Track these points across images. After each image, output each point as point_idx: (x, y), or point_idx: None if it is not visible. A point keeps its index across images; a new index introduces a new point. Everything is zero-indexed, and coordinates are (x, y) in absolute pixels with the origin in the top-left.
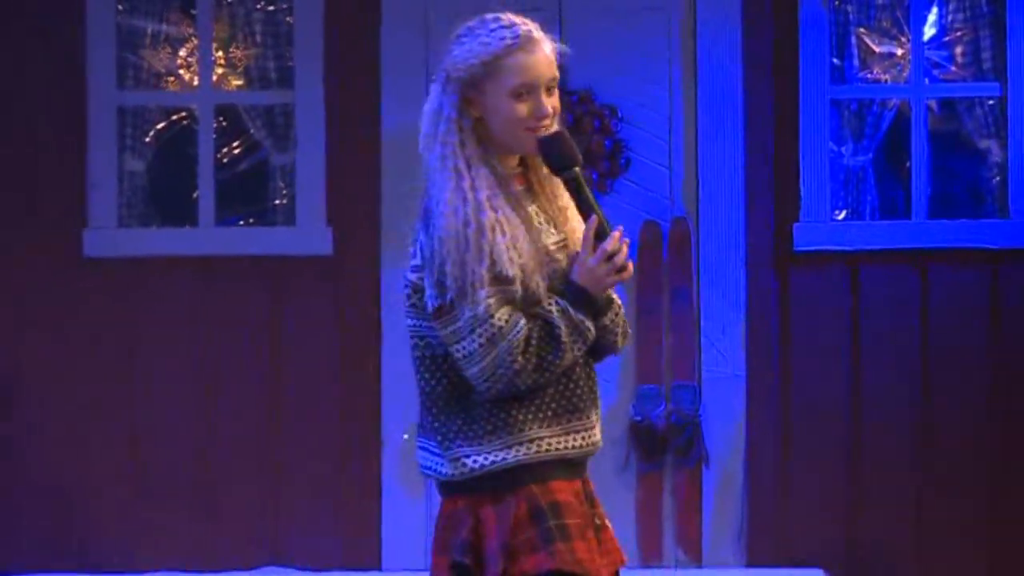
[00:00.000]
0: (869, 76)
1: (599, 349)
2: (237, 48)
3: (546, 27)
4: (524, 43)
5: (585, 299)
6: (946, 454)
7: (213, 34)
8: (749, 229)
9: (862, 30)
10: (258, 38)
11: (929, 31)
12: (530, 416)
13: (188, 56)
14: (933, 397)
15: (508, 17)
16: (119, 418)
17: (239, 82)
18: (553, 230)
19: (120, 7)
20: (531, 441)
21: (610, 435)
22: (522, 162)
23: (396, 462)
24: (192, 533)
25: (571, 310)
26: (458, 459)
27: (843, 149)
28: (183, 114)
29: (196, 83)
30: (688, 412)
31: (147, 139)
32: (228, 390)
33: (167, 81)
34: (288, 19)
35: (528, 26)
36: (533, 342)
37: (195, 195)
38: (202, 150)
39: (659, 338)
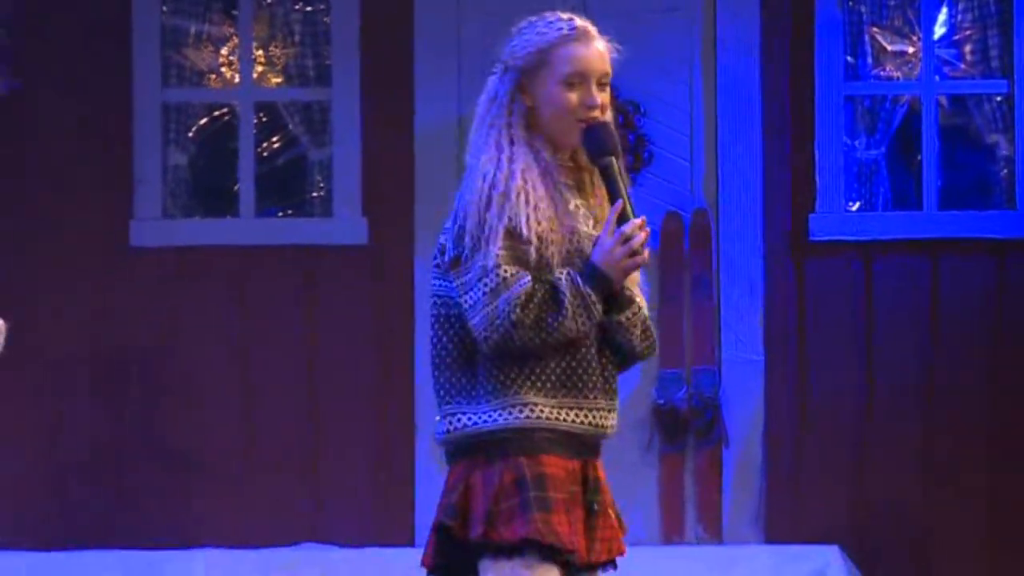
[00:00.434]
0: (882, 73)
1: (619, 348)
2: (276, 47)
3: None
4: (579, 35)
5: (596, 275)
6: (954, 436)
7: (253, 33)
8: (767, 220)
9: (875, 29)
10: (296, 37)
11: (939, 30)
12: (528, 383)
13: (229, 55)
14: (942, 380)
15: (567, 13)
16: (161, 401)
17: (278, 80)
18: (591, 223)
19: (164, 8)
20: (524, 405)
21: (634, 417)
22: (576, 160)
23: (429, 443)
24: (235, 511)
25: (579, 281)
26: (453, 415)
27: (857, 143)
28: (225, 110)
29: (237, 81)
30: (708, 395)
31: (190, 134)
32: (268, 374)
33: (209, 79)
34: (325, 19)
35: (585, 22)
36: (535, 300)
37: (236, 187)
38: (243, 145)
39: (680, 324)
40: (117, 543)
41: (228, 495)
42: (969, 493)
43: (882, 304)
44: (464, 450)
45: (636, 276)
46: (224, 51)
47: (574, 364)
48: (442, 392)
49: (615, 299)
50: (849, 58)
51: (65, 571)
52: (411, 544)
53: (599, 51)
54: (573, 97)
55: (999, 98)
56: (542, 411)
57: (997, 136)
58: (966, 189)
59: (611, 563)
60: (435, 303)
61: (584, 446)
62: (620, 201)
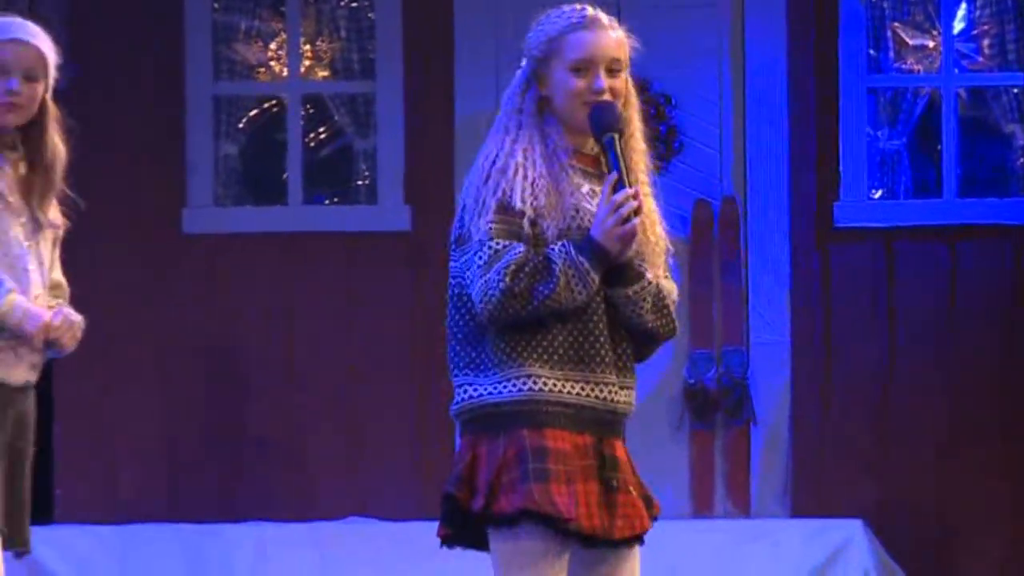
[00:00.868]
0: (903, 66)
1: (628, 324)
2: (323, 42)
3: None
4: (587, 23)
5: (591, 246)
6: (972, 413)
7: (301, 29)
8: (793, 207)
9: (897, 24)
10: (342, 32)
11: (958, 25)
12: (534, 355)
13: (278, 49)
14: (961, 361)
15: (583, 4)
16: (215, 380)
17: (325, 73)
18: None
19: (216, 5)
20: (528, 377)
21: (665, 396)
22: (596, 148)
23: None
24: (285, 486)
25: (573, 251)
26: (462, 386)
27: (879, 134)
28: (273, 103)
29: (285, 74)
30: (737, 375)
31: (240, 125)
32: (315, 355)
33: (259, 72)
34: (370, 15)
35: (596, 11)
36: (527, 269)
37: (284, 176)
38: (291, 135)
39: (710, 307)
40: (170, 517)
41: (279, 471)
42: (989, 470)
43: (903, 288)
44: (473, 421)
45: (664, 259)
46: (273, 46)
47: (581, 338)
48: (452, 365)
49: (622, 273)
50: (872, 52)
51: (126, 543)
52: None
53: (609, 38)
54: (580, 82)
55: (1016, 90)
56: (546, 383)
57: (1014, 127)
58: (984, 178)
59: (637, 539)
60: (450, 283)
61: (596, 422)
62: (615, 173)
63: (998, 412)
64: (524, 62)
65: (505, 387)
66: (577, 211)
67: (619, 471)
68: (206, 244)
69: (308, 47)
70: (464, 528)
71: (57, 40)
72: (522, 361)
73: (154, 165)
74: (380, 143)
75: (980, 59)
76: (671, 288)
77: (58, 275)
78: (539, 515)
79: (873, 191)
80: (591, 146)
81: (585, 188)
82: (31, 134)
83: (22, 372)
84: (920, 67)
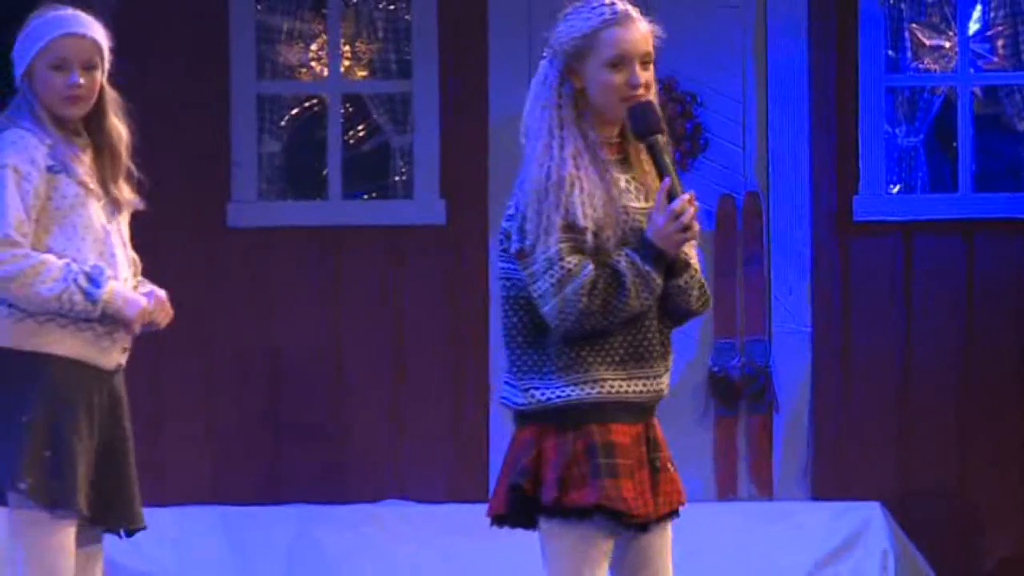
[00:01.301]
0: (920, 66)
1: (676, 309)
2: (362, 43)
3: None
4: (621, 19)
5: (653, 253)
6: (988, 399)
7: (341, 30)
8: (814, 201)
9: (914, 25)
10: (380, 34)
11: (973, 26)
12: (598, 359)
13: (319, 50)
14: (978, 349)
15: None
16: (258, 367)
17: (363, 73)
18: (643, 197)
19: (259, 6)
20: (595, 381)
21: (691, 384)
22: (623, 135)
23: (501, 407)
24: (325, 469)
25: (639, 261)
26: (528, 390)
27: (897, 131)
28: (314, 101)
29: (326, 74)
30: (760, 363)
31: (282, 123)
32: (354, 344)
33: (300, 72)
34: (407, 16)
35: (625, 5)
36: (600, 285)
37: (324, 172)
38: (331, 133)
39: (734, 298)
40: (214, 499)
41: (320, 455)
42: (1006, 455)
43: (921, 279)
44: (535, 416)
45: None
46: (314, 47)
47: (639, 337)
48: (515, 368)
49: (672, 265)
50: (890, 52)
51: (172, 524)
52: (485, 500)
53: (641, 32)
54: (618, 78)
55: None
56: (612, 385)
57: None
58: (998, 173)
59: (674, 514)
60: (504, 284)
61: (644, 410)
62: (668, 179)
63: (1014, 398)
64: (552, 56)
65: (573, 391)
66: (627, 212)
67: (660, 451)
68: (249, 237)
69: (348, 48)
70: (520, 512)
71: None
72: (587, 366)
73: (200, 161)
74: (416, 140)
75: (994, 59)
76: (697, 265)
77: (131, 251)
78: (610, 509)
79: (891, 186)
80: (617, 134)
81: (623, 181)
82: (93, 119)
83: (116, 356)
84: (936, 66)
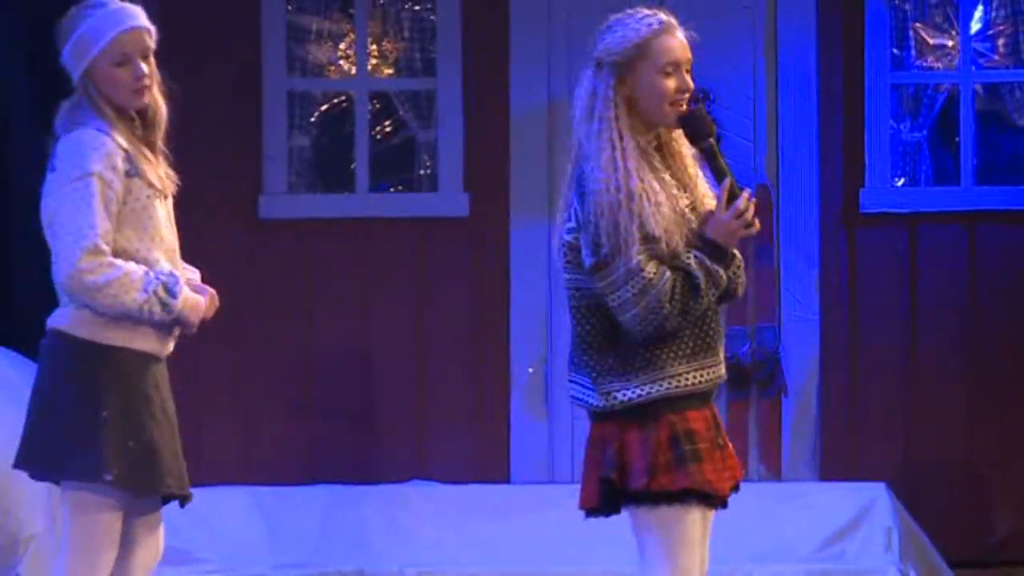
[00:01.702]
0: (924, 64)
1: (724, 296)
2: (388, 42)
3: None
4: (668, 28)
5: (717, 251)
6: (992, 384)
7: (368, 30)
8: (822, 194)
9: (918, 24)
10: (406, 33)
11: (975, 26)
12: (672, 355)
13: (347, 49)
14: (980, 336)
15: (649, 9)
16: (291, 354)
17: (390, 71)
18: (685, 194)
19: (290, 7)
20: (672, 377)
21: None
22: (656, 136)
23: (522, 392)
24: (354, 451)
25: (706, 260)
26: (609, 392)
27: (902, 126)
28: (342, 98)
29: (354, 72)
30: (770, 350)
31: (312, 119)
32: (381, 331)
33: (329, 70)
34: (431, 17)
35: (669, 16)
36: (678, 291)
37: (352, 166)
38: (358, 128)
39: (745, 287)
40: (251, 480)
41: (348, 437)
42: (1010, 436)
43: (925, 268)
44: (615, 414)
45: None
46: (342, 46)
47: (705, 329)
48: (593, 374)
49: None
50: (895, 51)
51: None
52: (507, 480)
53: (683, 41)
54: (671, 83)
55: None
56: (686, 378)
57: None
58: (999, 166)
59: (735, 488)
60: (573, 295)
61: (710, 394)
62: (727, 179)
63: (1017, 382)
64: (599, 66)
65: (653, 387)
66: (683, 215)
67: (720, 429)
68: (280, 228)
69: (375, 47)
70: (610, 502)
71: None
72: (663, 364)
73: (233, 155)
74: (441, 135)
75: (995, 57)
76: (739, 253)
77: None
78: (699, 493)
79: (896, 179)
80: (657, 134)
81: (669, 180)
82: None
83: (170, 346)
84: (940, 64)
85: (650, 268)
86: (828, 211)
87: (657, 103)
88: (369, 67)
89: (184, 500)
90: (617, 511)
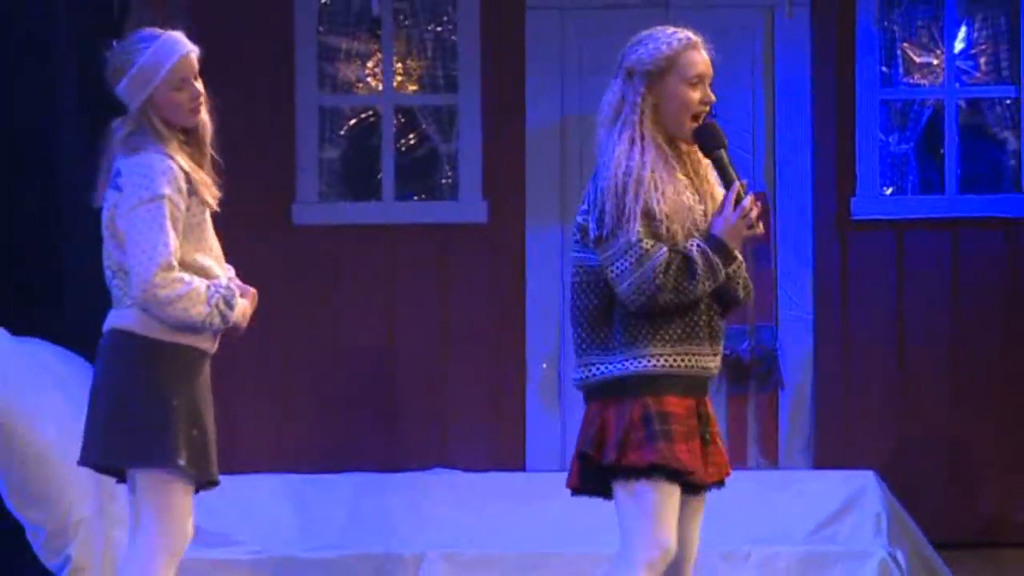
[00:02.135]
0: (911, 81)
1: (725, 297)
2: (412, 60)
3: None
4: (695, 44)
5: (720, 246)
6: (974, 378)
7: (394, 49)
8: (816, 202)
9: (905, 44)
10: (429, 52)
11: (959, 45)
12: (655, 338)
13: (374, 67)
14: (963, 333)
15: (678, 28)
16: (321, 350)
17: (414, 87)
18: (700, 204)
19: (321, 28)
20: (650, 356)
21: None
22: (679, 148)
23: (536, 386)
24: (378, 441)
25: (708, 250)
26: (589, 366)
27: (890, 139)
28: (370, 112)
29: (380, 88)
30: (767, 347)
31: (341, 132)
32: (405, 329)
33: (357, 86)
34: (453, 37)
35: (694, 33)
36: (673, 267)
37: (379, 176)
38: (385, 141)
39: (750, 293)
40: (283, 468)
41: (373, 428)
42: (991, 427)
43: (911, 271)
44: (600, 391)
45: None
46: (370, 64)
47: (690, 320)
48: (581, 347)
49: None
50: (884, 68)
51: (239, 490)
52: (522, 469)
53: (707, 58)
54: (696, 95)
55: (1008, 101)
56: (665, 360)
57: (1007, 133)
58: (981, 176)
59: (721, 482)
60: (577, 271)
61: (695, 387)
62: (736, 184)
63: (998, 377)
64: (629, 74)
65: (631, 364)
66: (690, 209)
67: (710, 425)
68: (312, 233)
69: (400, 65)
70: (592, 480)
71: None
72: (646, 342)
73: (268, 166)
74: (461, 147)
75: (978, 74)
76: (742, 260)
77: None
78: (666, 468)
79: (885, 188)
80: (678, 143)
81: (684, 182)
82: None
83: (216, 344)
84: (926, 81)
85: (647, 242)
86: (822, 218)
87: (681, 112)
88: (395, 84)
89: (214, 485)
90: (603, 493)
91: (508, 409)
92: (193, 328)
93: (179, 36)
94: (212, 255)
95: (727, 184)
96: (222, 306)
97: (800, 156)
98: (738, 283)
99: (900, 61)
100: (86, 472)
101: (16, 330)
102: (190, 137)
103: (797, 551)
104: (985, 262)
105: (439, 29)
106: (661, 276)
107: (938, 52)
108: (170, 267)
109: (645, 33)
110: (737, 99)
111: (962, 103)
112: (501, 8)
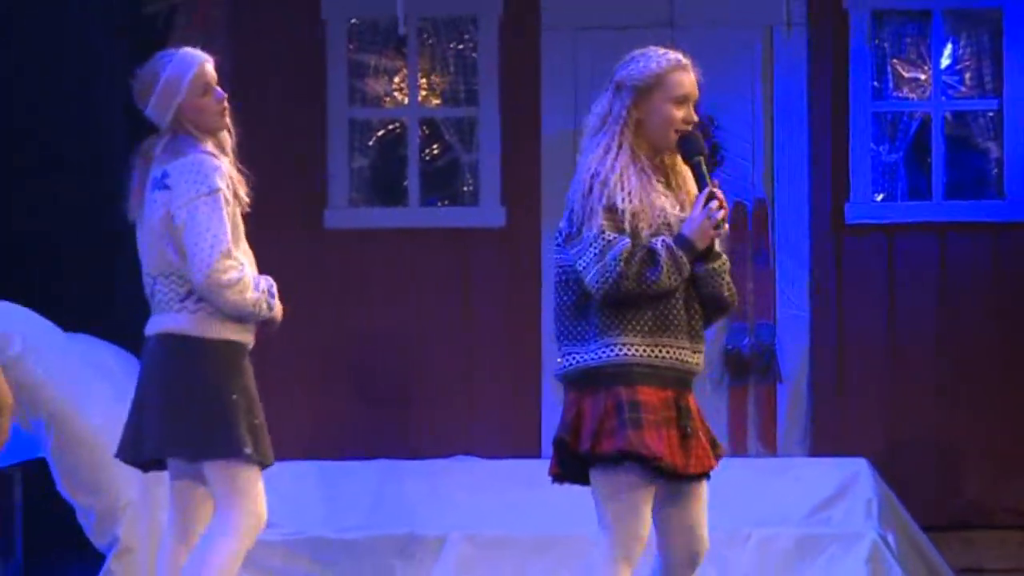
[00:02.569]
0: (900, 94)
1: (711, 293)
2: (436, 76)
3: None
4: (684, 66)
5: (685, 242)
6: (960, 372)
7: (418, 66)
8: (812, 207)
9: (895, 60)
10: (451, 68)
11: (945, 61)
12: (627, 329)
13: (400, 82)
14: (950, 330)
15: (668, 49)
16: (349, 345)
17: (437, 101)
18: (678, 208)
19: (351, 46)
20: (622, 345)
21: (709, 359)
22: (664, 163)
23: (551, 379)
24: (403, 430)
25: (673, 245)
26: (568, 355)
27: (881, 148)
28: (396, 125)
29: (406, 102)
30: (766, 342)
31: (370, 143)
32: (429, 326)
33: (385, 100)
34: (473, 54)
35: (684, 56)
36: (636, 257)
37: (405, 183)
38: (410, 150)
39: (745, 288)
40: (314, 455)
41: (400, 419)
42: (975, 418)
43: (901, 271)
44: (577, 381)
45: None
46: (396, 79)
47: (664, 311)
48: (560, 338)
49: (708, 251)
50: (875, 83)
51: (275, 476)
52: (538, 456)
53: (694, 79)
54: (679, 113)
55: (991, 113)
56: (637, 349)
57: (989, 143)
58: (966, 183)
59: (705, 475)
60: (557, 272)
61: (674, 380)
62: (708, 188)
63: (980, 370)
64: (618, 89)
65: (604, 352)
66: (663, 212)
67: (691, 419)
68: (342, 237)
69: (424, 80)
70: (571, 467)
71: (220, 70)
72: (618, 332)
73: (302, 174)
74: (481, 157)
75: (962, 88)
76: (726, 260)
77: None
78: (635, 455)
79: (876, 194)
80: (659, 160)
81: (663, 193)
82: None
83: (253, 339)
84: (914, 95)
85: (609, 234)
86: (817, 222)
87: (662, 127)
88: (419, 98)
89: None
90: (583, 481)
91: (524, 400)
92: (245, 312)
93: (194, 50)
94: (249, 259)
95: (701, 188)
96: (266, 293)
97: (797, 164)
98: (721, 280)
99: (890, 76)
100: None
101: (68, 327)
102: (216, 143)
103: (794, 533)
104: (970, 263)
105: (460, 47)
106: (622, 264)
107: (925, 68)
108: (229, 254)
109: (638, 51)
110: (738, 111)
111: (948, 115)
112: (518, 28)
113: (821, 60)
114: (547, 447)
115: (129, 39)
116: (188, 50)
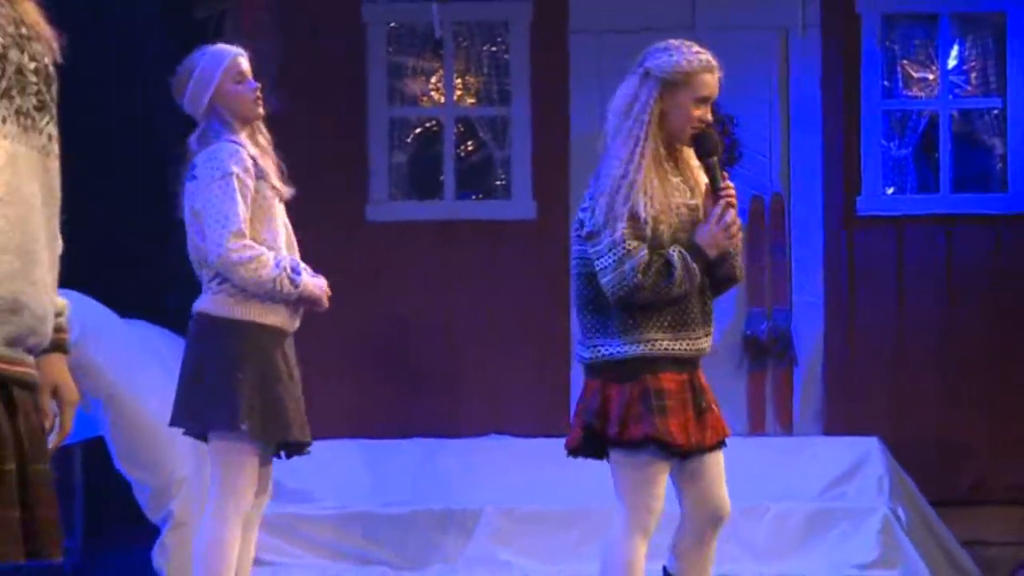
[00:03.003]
0: (909, 93)
1: (723, 275)
2: (471, 76)
3: None
4: (712, 68)
5: (700, 254)
6: (965, 357)
7: (454, 67)
8: (825, 200)
9: (904, 61)
10: (485, 69)
11: (952, 62)
12: (651, 325)
13: (437, 82)
14: (956, 316)
15: (699, 48)
16: (388, 331)
17: (472, 100)
18: (689, 193)
19: (390, 48)
20: (648, 341)
21: (729, 343)
22: (671, 147)
23: (578, 364)
24: (441, 411)
25: (688, 258)
26: (596, 347)
27: (891, 144)
28: (433, 123)
29: (442, 101)
30: (783, 328)
31: (408, 140)
32: (464, 312)
33: (422, 100)
34: (506, 56)
35: (714, 58)
36: (652, 268)
37: (441, 178)
38: (446, 147)
39: (763, 276)
40: (357, 434)
41: (437, 400)
42: (979, 401)
43: (910, 261)
44: (602, 369)
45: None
46: (433, 80)
47: (682, 309)
48: (585, 329)
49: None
50: (886, 83)
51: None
52: (567, 435)
53: (718, 81)
54: (698, 112)
55: (995, 112)
56: (661, 344)
57: (994, 139)
58: (972, 178)
59: (721, 444)
60: (576, 263)
61: (689, 363)
62: (724, 199)
63: (985, 356)
64: (646, 76)
65: (631, 348)
66: (679, 207)
67: (705, 395)
68: (383, 229)
69: (459, 80)
70: (591, 445)
71: (266, 73)
72: (642, 329)
73: (344, 170)
74: (513, 153)
75: (968, 88)
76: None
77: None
78: (659, 441)
79: (887, 188)
80: (677, 148)
81: (675, 182)
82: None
83: (296, 322)
84: (922, 94)
85: (631, 243)
86: (831, 214)
87: (681, 123)
88: (455, 97)
89: (305, 447)
90: (598, 455)
91: (554, 382)
92: (264, 289)
93: (228, 45)
94: (281, 238)
95: (715, 188)
96: (289, 271)
97: (812, 160)
98: (736, 263)
99: (900, 76)
100: (185, 437)
101: (124, 312)
102: (249, 132)
103: (809, 507)
104: (975, 253)
105: (494, 49)
106: (640, 276)
107: (933, 68)
108: (241, 234)
109: (673, 42)
110: (756, 110)
111: (955, 113)
112: (548, 31)
113: (834, 61)
114: None
115: (181, 42)
116: (222, 45)
